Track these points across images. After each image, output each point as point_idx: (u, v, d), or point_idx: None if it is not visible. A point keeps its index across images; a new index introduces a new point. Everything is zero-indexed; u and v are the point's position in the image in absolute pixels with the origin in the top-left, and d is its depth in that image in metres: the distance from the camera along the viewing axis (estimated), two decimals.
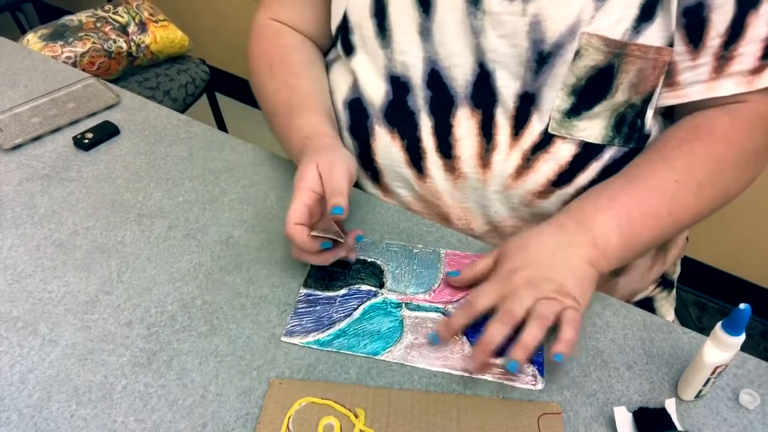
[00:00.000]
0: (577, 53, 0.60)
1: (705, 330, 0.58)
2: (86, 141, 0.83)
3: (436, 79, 0.67)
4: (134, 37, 1.55)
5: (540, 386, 0.57)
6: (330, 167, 0.62)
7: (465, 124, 0.68)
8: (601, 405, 0.56)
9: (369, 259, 0.69)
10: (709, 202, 0.63)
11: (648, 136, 0.67)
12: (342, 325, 0.62)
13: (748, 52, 0.59)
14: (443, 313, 0.63)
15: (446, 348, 0.60)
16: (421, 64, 0.67)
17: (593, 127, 0.65)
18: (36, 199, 0.75)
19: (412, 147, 0.71)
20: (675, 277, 0.88)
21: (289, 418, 0.54)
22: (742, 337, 0.51)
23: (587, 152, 0.66)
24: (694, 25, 0.60)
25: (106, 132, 0.85)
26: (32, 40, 1.48)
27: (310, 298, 0.65)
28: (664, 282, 0.84)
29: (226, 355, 0.59)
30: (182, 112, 1.57)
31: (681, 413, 0.56)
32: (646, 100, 0.64)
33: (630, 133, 0.66)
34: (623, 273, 0.76)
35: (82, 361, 0.59)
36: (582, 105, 0.63)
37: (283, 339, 0.61)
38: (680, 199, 0.62)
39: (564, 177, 0.67)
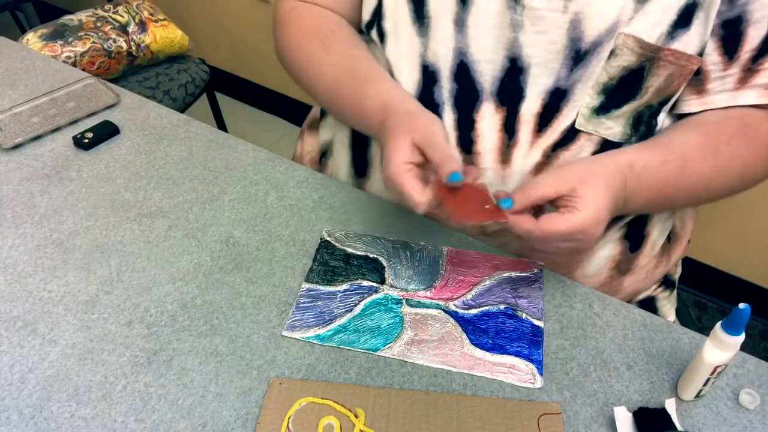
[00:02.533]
0: (612, 52, 0.61)
1: (705, 330, 0.58)
2: (86, 140, 0.83)
3: (463, 73, 0.67)
4: (134, 37, 1.55)
5: (539, 384, 0.58)
6: (429, 135, 0.60)
7: (488, 120, 0.67)
8: (601, 405, 0.56)
9: (371, 255, 0.69)
10: (738, 187, 0.68)
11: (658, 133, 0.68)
12: (342, 320, 0.62)
13: None
14: (444, 310, 0.63)
15: (446, 345, 0.60)
16: (451, 55, 0.67)
17: (617, 126, 0.65)
18: (36, 198, 0.75)
19: None
20: (676, 277, 0.88)
21: (289, 418, 0.54)
22: (742, 337, 0.51)
23: (605, 150, 0.66)
24: (731, 38, 0.61)
25: (106, 131, 0.85)
26: (32, 39, 1.48)
27: (312, 293, 0.65)
28: (666, 282, 0.84)
29: (226, 354, 0.59)
30: (182, 111, 1.57)
31: (681, 413, 0.56)
32: (663, 102, 0.65)
33: (646, 132, 0.66)
34: (629, 273, 0.76)
35: (82, 361, 0.59)
36: (611, 104, 0.64)
37: (284, 333, 0.61)
38: (714, 189, 0.65)
39: None
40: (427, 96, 0.69)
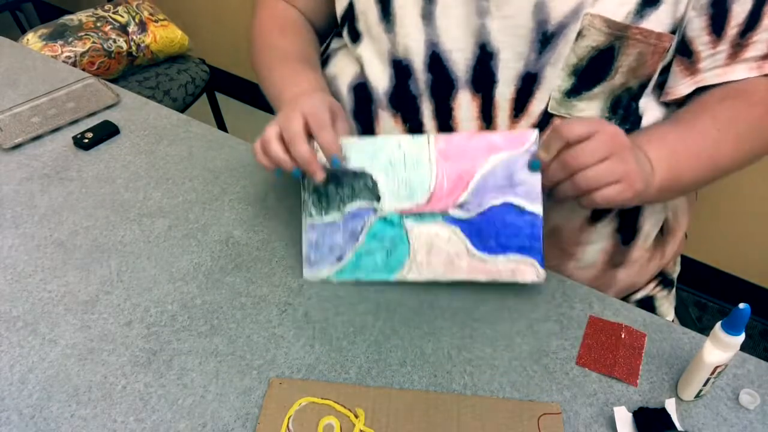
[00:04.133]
0: (580, 33, 0.62)
1: (705, 330, 0.58)
2: (86, 140, 0.83)
3: (436, 63, 0.68)
4: (134, 37, 1.55)
5: (542, 278, 0.62)
6: (322, 114, 0.65)
7: (465, 107, 0.68)
8: (601, 405, 0.56)
9: (358, 170, 0.66)
10: (746, 155, 0.66)
11: (641, 118, 0.68)
12: (351, 254, 0.66)
13: (761, 39, 0.62)
14: (444, 218, 0.64)
15: (452, 255, 0.64)
16: (422, 48, 0.68)
17: (591, 108, 0.66)
18: (36, 198, 0.75)
19: (415, 131, 0.72)
20: (675, 276, 0.88)
21: (289, 418, 0.54)
22: (742, 337, 0.51)
23: None
24: (718, 16, 0.62)
25: (106, 131, 0.85)
26: (32, 39, 1.48)
27: (315, 227, 0.67)
28: (664, 281, 0.84)
29: (226, 354, 0.59)
30: (182, 111, 1.57)
31: (681, 413, 0.56)
32: (643, 85, 0.65)
33: (625, 115, 0.67)
34: (622, 266, 0.76)
35: (82, 361, 0.59)
36: (582, 86, 0.65)
37: (306, 275, 0.66)
38: (721, 148, 0.65)
39: None
40: (402, 89, 0.70)
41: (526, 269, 0.62)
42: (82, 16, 1.57)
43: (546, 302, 0.65)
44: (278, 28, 0.82)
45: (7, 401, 0.55)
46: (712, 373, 0.53)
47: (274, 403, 0.55)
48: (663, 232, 0.80)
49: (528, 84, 0.65)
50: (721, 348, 0.52)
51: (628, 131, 0.67)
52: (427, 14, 0.67)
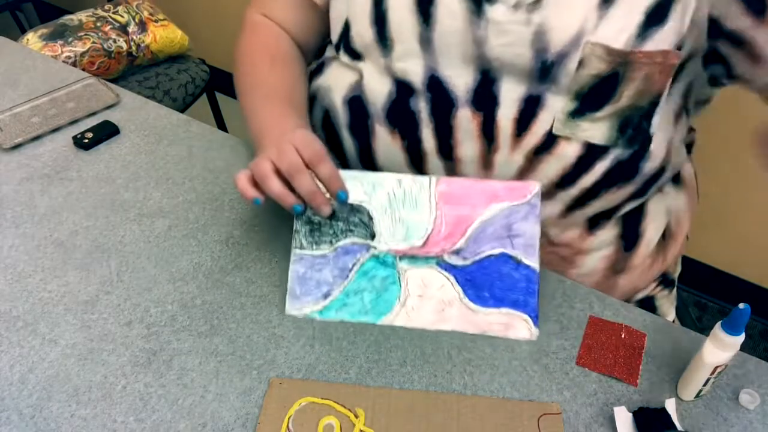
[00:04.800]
0: (581, 62, 0.60)
1: (705, 330, 0.58)
2: (86, 140, 0.83)
3: (436, 84, 0.67)
4: (134, 37, 1.55)
5: (535, 337, 0.60)
6: (306, 139, 0.64)
7: (466, 126, 0.67)
8: (601, 405, 0.56)
9: (355, 203, 0.65)
10: None
11: (651, 138, 0.66)
12: (339, 292, 0.62)
13: None
14: (439, 264, 0.63)
15: (443, 304, 0.62)
16: (421, 71, 0.67)
17: (597, 129, 0.64)
18: (36, 198, 0.75)
19: (413, 148, 0.70)
20: (675, 276, 0.88)
21: (289, 418, 0.54)
22: (742, 337, 0.51)
23: (591, 153, 0.66)
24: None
25: (106, 131, 0.85)
26: (32, 39, 1.48)
27: (304, 260, 0.64)
28: (665, 281, 0.84)
29: (226, 354, 0.59)
30: (182, 111, 1.57)
31: (681, 413, 0.56)
32: (654, 103, 0.63)
33: (634, 135, 0.65)
34: (623, 272, 0.76)
35: (82, 361, 0.59)
36: (586, 108, 0.63)
37: (288, 312, 0.62)
38: None
39: (568, 178, 0.67)
40: (402, 105, 0.69)
41: (518, 326, 0.61)
42: (82, 16, 1.57)
43: (546, 302, 0.65)
44: (268, 58, 0.78)
45: (7, 401, 0.55)
46: (712, 373, 0.53)
47: (274, 403, 0.55)
48: (665, 237, 0.79)
49: (531, 106, 0.64)
50: (721, 348, 0.52)
51: (637, 153, 0.66)
52: (425, 40, 0.65)
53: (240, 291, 0.65)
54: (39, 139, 0.84)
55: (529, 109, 0.64)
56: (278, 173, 0.62)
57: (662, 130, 0.67)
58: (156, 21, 1.60)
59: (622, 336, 0.61)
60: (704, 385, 0.55)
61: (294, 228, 0.65)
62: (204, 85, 1.68)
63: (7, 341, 0.60)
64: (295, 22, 0.80)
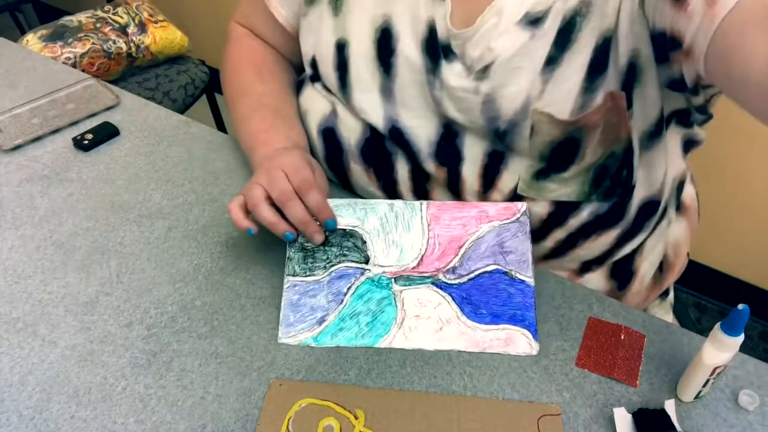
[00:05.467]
0: (533, 129, 0.59)
1: (704, 331, 0.58)
2: (86, 142, 0.83)
3: (398, 135, 0.66)
4: (134, 38, 1.55)
5: (535, 351, 0.60)
6: (297, 166, 0.65)
7: (434, 175, 0.67)
8: (600, 406, 0.56)
9: (348, 228, 0.66)
10: None
11: (633, 188, 0.64)
12: (334, 317, 0.61)
13: None
14: (435, 284, 0.63)
15: (441, 323, 0.61)
16: (381, 121, 0.66)
17: (567, 187, 0.63)
18: (36, 200, 0.75)
19: (389, 188, 0.70)
20: (671, 286, 0.87)
21: (289, 419, 0.54)
22: (741, 338, 0.51)
23: (562, 210, 0.64)
24: None
25: (106, 133, 0.85)
26: (32, 40, 1.48)
27: (297, 287, 0.64)
28: (660, 294, 0.83)
29: (226, 356, 0.59)
30: (182, 112, 1.57)
31: (680, 414, 0.56)
32: (628, 148, 0.61)
33: (612, 187, 0.63)
34: (622, 296, 0.75)
35: (82, 363, 0.59)
36: (552, 169, 0.62)
37: (281, 340, 0.61)
38: None
39: (538, 234, 0.66)
40: (377, 146, 0.69)
41: (518, 341, 0.60)
42: (81, 18, 1.57)
43: (545, 303, 0.65)
44: (254, 69, 0.79)
45: (6, 402, 0.55)
46: (712, 374, 0.53)
47: (274, 405, 0.55)
48: (662, 269, 0.77)
49: (495, 162, 0.63)
50: (720, 349, 0.52)
51: (615, 207, 0.64)
52: (386, 90, 0.65)
53: (240, 292, 0.65)
54: (39, 140, 0.84)
55: (494, 166, 0.64)
56: (270, 200, 0.63)
57: (652, 168, 0.65)
58: (156, 22, 1.60)
59: (622, 337, 0.62)
60: (704, 386, 0.55)
61: (287, 255, 0.65)
62: (204, 86, 1.68)
63: (6, 342, 0.60)
64: (276, 38, 0.80)
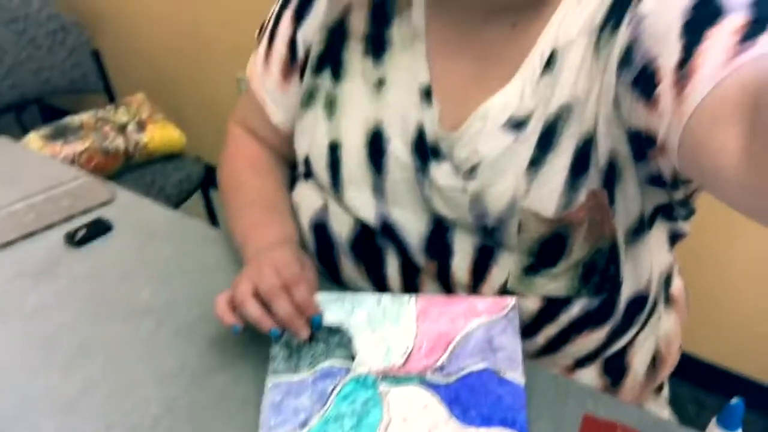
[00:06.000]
0: (520, 226, 0.61)
1: (704, 427, 0.57)
2: (78, 238, 0.83)
3: (389, 230, 0.67)
4: (132, 136, 1.60)
5: None
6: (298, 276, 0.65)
7: (424, 271, 0.68)
8: None
9: (334, 326, 0.65)
10: None
11: (620, 284, 0.64)
12: (318, 419, 0.59)
13: (714, 48, 0.46)
14: (422, 382, 0.61)
15: (429, 425, 0.58)
16: (373, 217, 0.68)
17: (557, 283, 0.63)
18: (26, 295, 0.75)
19: (379, 282, 0.70)
20: (665, 381, 0.85)
21: None
22: None
23: (553, 306, 0.64)
24: (645, 85, 0.51)
25: (99, 229, 0.86)
26: (33, 139, 1.52)
27: (280, 387, 0.62)
28: (654, 389, 0.81)
29: None
30: (176, 208, 1.60)
31: None
32: (614, 244, 0.62)
33: (601, 282, 0.63)
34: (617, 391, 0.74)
35: None
36: (541, 264, 0.63)
37: None
38: None
39: (529, 330, 0.66)
40: (368, 241, 0.70)
41: None
42: (84, 117, 1.62)
43: (538, 400, 0.64)
44: (250, 167, 0.81)
45: None
46: None
47: None
48: (655, 363, 0.76)
49: (484, 257, 0.64)
50: None
51: (605, 302, 0.64)
52: (377, 188, 0.67)
53: (225, 392, 0.64)
54: (32, 236, 0.85)
55: (483, 261, 0.64)
56: (258, 295, 0.63)
57: (638, 263, 0.65)
58: (155, 121, 1.66)
59: None
60: None
61: (271, 353, 0.64)
62: (199, 182, 1.71)
63: None
64: (272, 138, 0.82)
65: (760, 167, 0.38)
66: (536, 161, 0.59)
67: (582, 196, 0.59)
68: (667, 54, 0.49)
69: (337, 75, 0.70)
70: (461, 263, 0.65)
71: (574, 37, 0.59)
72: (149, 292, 0.76)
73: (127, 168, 1.62)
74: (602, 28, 0.57)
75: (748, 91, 0.40)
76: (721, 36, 0.45)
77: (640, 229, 0.63)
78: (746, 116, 0.40)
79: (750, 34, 0.44)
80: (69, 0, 2.16)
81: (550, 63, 0.59)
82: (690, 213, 0.68)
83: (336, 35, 0.70)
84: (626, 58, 0.53)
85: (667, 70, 0.48)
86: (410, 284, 0.69)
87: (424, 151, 0.65)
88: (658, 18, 0.51)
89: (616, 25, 0.56)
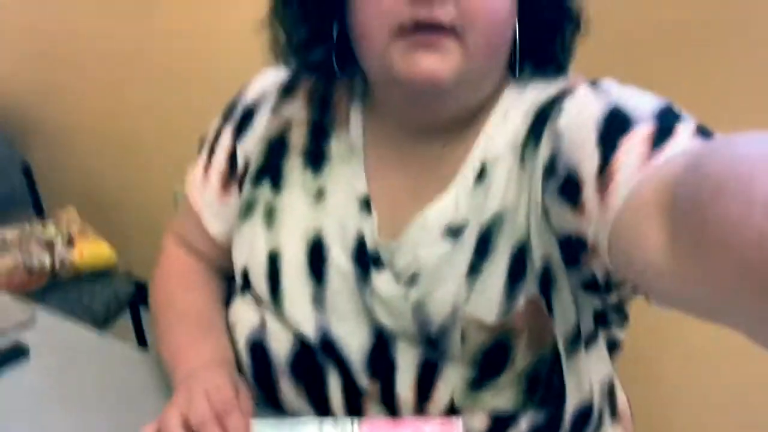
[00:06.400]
0: (463, 335, 0.61)
1: None
2: None
3: (329, 345, 0.65)
4: (60, 252, 1.53)
5: None
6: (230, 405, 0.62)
7: (367, 391, 0.65)
8: None
9: None
10: None
11: (565, 397, 0.63)
12: None
13: (629, 153, 0.49)
14: None
15: None
16: (313, 331, 0.66)
17: (502, 397, 0.62)
18: None
19: (321, 405, 0.67)
20: None
21: None
22: None
23: (501, 423, 0.63)
24: (571, 188, 0.54)
25: (14, 354, 0.79)
26: None
27: None
28: None
29: None
30: (103, 327, 1.51)
31: None
32: (555, 353, 0.62)
33: (546, 395, 0.63)
34: None
35: None
36: (485, 376, 0.62)
37: None
38: None
39: None
40: (307, 360, 0.67)
41: None
42: (8, 234, 1.55)
43: None
44: (183, 281, 0.79)
45: None
46: None
47: None
48: None
49: (429, 373, 0.63)
50: None
51: (552, 417, 0.64)
52: (317, 299, 0.66)
53: None
54: None
55: (428, 377, 0.63)
56: (188, 427, 0.59)
57: (580, 373, 0.65)
58: (84, 236, 1.61)
59: None
60: None
61: None
62: (128, 300, 1.64)
63: None
64: (209, 250, 0.81)
65: (685, 260, 0.39)
66: (474, 268, 0.61)
67: (521, 303, 0.60)
68: (587, 162, 0.52)
69: (276, 185, 0.71)
70: (405, 380, 0.63)
71: (501, 152, 0.63)
72: (67, 424, 0.70)
73: (52, 285, 1.54)
74: (525, 145, 0.62)
75: (665, 188, 0.44)
76: (634, 143, 0.50)
77: (578, 336, 0.64)
78: (666, 211, 0.42)
79: (658, 140, 0.49)
80: None
81: (480, 175, 0.63)
82: (624, 319, 0.70)
83: (276, 148, 0.72)
84: (550, 168, 0.57)
85: (589, 177, 0.52)
86: (354, 406, 0.66)
87: (365, 259, 0.65)
88: (575, 131, 0.55)
89: (537, 141, 0.60)
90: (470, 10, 0.56)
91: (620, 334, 0.71)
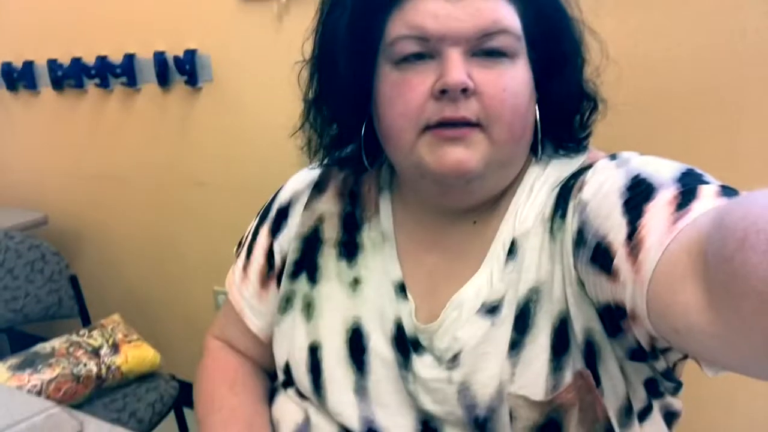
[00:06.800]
0: (511, 415, 0.59)
1: None
2: None
3: None
4: (105, 359, 1.55)
5: None
6: None
7: None
8: None
9: None
10: None
11: None
12: None
13: (655, 218, 0.50)
14: None
15: None
16: (358, 423, 0.65)
17: None
18: None
19: None
20: None
21: None
22: None
23: None
24: (602, 256, 0.53)
25: None
26: (0, 371, 1.47)
27: None
28: None
29: None
30: (149, 430, 1.50)
31: None
32: (609, 427, 0.60)
33: None
34: None
35: None
36: None
37: None
38: None
39: None
40: None
41: None
42: (55, 343, 1.59)
43: None
44: (226, 382, 0.79)
45: None
46: None
47: None
48: None
49: None
50: None
51: None
52: (360, 389, 0.66)
53: None
54: None
55: None
56: None
57: None
58: (129, 341, 1.63)
59: None
60: None
61: None
62: (172, 402, 1.63)
63: None
64: (251, 348, 0.82)
65: (724, 315, 0.39)
66: (516, 344, 0.60)
67: (568, 376, 0.58)
68: (615, 230, 0.53)
69: (313, 278, 0.72)
70: None
71: (530, 227, 0.63)
72: None
73: (98, 394, 1.55)
74: (553, 218, 0.62)
75: (695, 248, 0.44)
76: (659, 208, 0.50)
77: (630, 409, 0.62)
78: (698, 269, 0.42)
79: (683, 203, 0.49)
80: (48, 227, 2.24)
81: (512, 251, 0.63)
82: (677, 386, 0.67)
83: (310, 243, 0.74)
84: (579, 239, 0.58)
85: (619, 244, 0.52)
86: None
87: (405, 344, 0.65)
88: (599, 202, 0.56)
89: (564, 214, 0.61)
90: (493, 105, 0.59)
91: (676, 403, 0.68)
